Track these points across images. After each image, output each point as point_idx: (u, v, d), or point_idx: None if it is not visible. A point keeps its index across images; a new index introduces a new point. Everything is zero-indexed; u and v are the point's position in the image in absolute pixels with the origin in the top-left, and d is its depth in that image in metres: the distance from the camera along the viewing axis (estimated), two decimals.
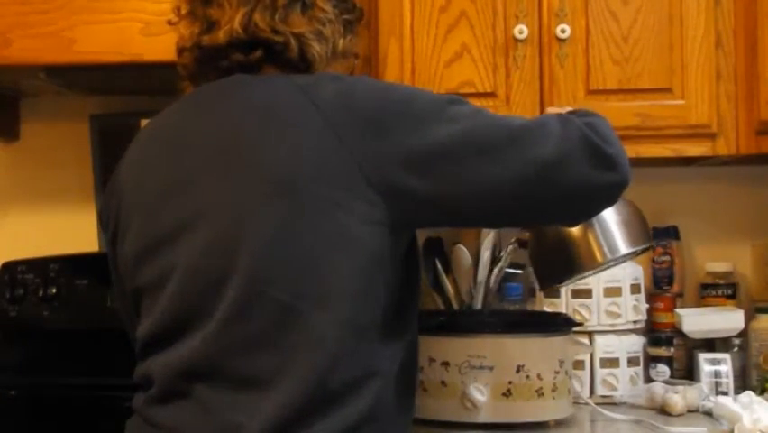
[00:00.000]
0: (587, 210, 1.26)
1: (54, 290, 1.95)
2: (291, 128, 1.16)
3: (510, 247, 1.68)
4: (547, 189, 1.17)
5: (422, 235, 1.99)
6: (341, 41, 1.29)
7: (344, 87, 1.18)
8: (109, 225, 1.30)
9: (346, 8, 1.31)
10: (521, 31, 1.77)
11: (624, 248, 1.37)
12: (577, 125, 1.19)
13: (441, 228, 2.00)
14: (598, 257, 1.35)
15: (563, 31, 1.77)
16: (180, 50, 1.29)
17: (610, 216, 1.35)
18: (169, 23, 1.31)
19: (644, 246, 1.41)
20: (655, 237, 2.05)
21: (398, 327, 1.20)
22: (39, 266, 1.97)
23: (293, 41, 1.23)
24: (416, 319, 1.27)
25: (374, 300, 1.15)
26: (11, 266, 1.98)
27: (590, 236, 1.35)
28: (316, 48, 1.24)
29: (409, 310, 1.24)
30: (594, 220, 1.33)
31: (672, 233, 2.05)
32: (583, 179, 1.17)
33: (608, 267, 1.47)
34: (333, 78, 1.20)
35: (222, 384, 1.13)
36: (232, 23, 1.23)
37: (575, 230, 1.35)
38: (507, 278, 1.95)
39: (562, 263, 1.39)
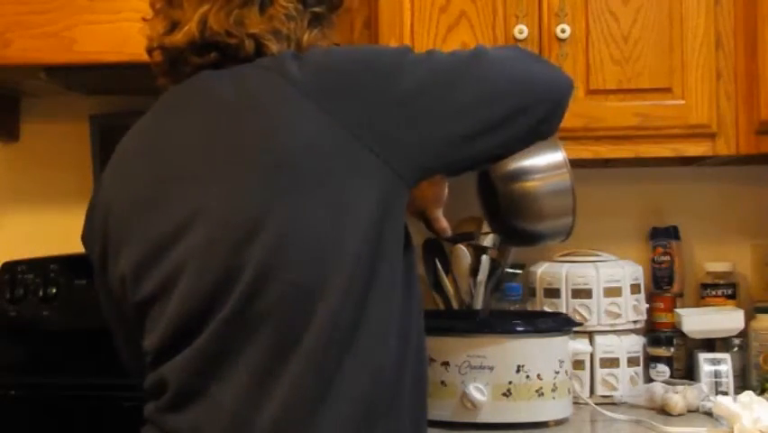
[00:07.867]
0: (551, 106, 1.26)
1: (54, 290, 1.95)
2: (274, 111, 1.15)
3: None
4: (515, 94, 1.22)
5: (422, 236, 1.99)
6: (305, 36, 1.26)
7: (310, 63, 1.17)
8: (95, 247, 1.27)
9: (316, 0, 1.28)
10: (521, 31, 1.77)
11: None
12: (508, 46, 1.33)
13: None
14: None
15: (563, 31, 1.77)
16: (149, 50, 1.28)
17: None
18: (144, 19, 1.29)
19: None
20: (655, 237, 2.05)
21: (406, 318, 1.18)
22: (39, 266, 1.97)
23: (247, 42, 1.21)
24: (420, 306, 1.24)
25: (387, 276, 1.14)
26: (11, 266, 1.98)
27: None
28: (274, 48, 1.22)
29: (414, 292, 1.21)
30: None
31: (671, 233, 2.05)
32: (537, 72, 1.26)
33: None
34: (293, 56, 1.19)
35: (235, 379, 1.11)
36: (189, 24, 1.22)
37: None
38: (507, 278, 1.95)
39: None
